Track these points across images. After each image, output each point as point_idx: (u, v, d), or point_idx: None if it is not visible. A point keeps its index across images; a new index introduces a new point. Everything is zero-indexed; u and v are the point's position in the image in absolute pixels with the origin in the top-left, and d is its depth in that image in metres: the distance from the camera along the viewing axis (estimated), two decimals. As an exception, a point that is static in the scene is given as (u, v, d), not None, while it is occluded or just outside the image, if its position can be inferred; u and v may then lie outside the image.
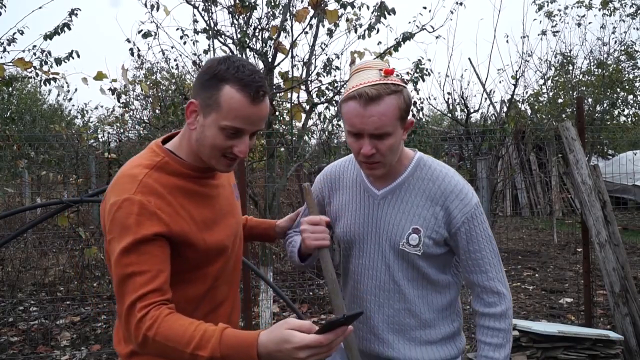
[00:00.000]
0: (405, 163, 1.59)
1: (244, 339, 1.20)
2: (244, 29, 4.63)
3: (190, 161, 1.45)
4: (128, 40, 4.72)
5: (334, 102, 5.07)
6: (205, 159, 1.42)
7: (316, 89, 4.92)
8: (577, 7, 9.96)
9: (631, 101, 10.27)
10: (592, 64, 9.88)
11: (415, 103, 6.23)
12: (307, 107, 4.97)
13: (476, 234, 1.55)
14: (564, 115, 9.19)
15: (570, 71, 9.87)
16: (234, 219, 1.57)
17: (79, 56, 5.07)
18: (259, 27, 4.68)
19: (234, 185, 1.65)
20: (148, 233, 1.30)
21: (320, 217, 1.57)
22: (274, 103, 4.88)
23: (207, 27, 4.63)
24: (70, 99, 14.42)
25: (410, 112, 1.59)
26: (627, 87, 9.93)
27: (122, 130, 8.94)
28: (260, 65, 5.04)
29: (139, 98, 7.54)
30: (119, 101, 5.35)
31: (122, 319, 1.29)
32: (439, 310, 1.62)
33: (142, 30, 4.62)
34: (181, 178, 1.43)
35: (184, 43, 4.90)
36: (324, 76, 4.90)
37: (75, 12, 5.04)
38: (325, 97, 4.90)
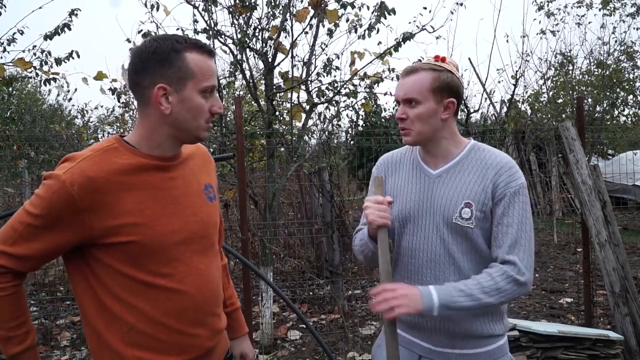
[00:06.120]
0: (460, 147, 1.71)
1: None
2: (244, 29, 4.63)
3: (145, 151, 1.44)
4: (128, 40, 4.71)
5: (334, 102, 5.07)
6: (193, 132, 1.45)
7: (316, 89, 4.92)
8: (577, 7, 9.96)
9: (631, 101, 10.26)
10: (592, 64, 9.88)
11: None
12: (307, 107, 4.97)
13: (513, 209, 1.59)
14: (564, 115, 9.19)
15: (570, 71, 9.87)
16: (195, 217, 1.50)
17: (79, 56, 5.06)
18: (259, 27, 4.69)
19: (208, 186, 1.59)
20: (54, 215, 1.34)
21: (383, 197, 1.66)
22: (274, 103, 4.89)
23: (207, 27, 4.63)
24: (70, 99, 14.41)
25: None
26: (627, 87, 9.92)
27: (122, 130, 8.94)
28: (260, 65, 5.04)
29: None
30: (119, 101, 5.35)
31: None
32: None
33: (142, 30, 4.62)
34: (126, 167, 1.40)
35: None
36: (324, 76, 4.90)
37: (75, 12, 5.04)
38: (325, 97, 4.90)
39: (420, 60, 1.73)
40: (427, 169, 1.71)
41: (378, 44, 5.03)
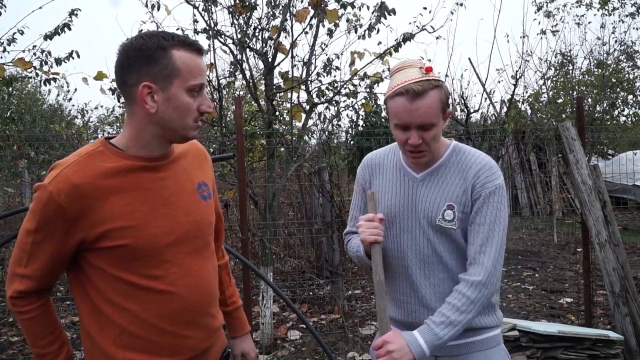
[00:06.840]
0: (442, 149, 1.72)
1: None
2: (244, 29, 4.63)
3: (132, 153, 1.42)
4: (128, 41, 4.71)
5: (334, 102, 5.07)
6: (179, 131, 1.42)
7: (316, 89, 4.92)
8: (577, 7, 9.96)
9: (631, 101, 10.26)
10: (592, 64, 9.87)
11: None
12: (307, 107, 4.97)
13: (486, 209, 1.64)
14: (564, 115, 9.18)
15: (570, 71, 9.86)
16: (187, 217, 1.47)
17: (79, 56, 5.06)
18: (259, 27, 4.69)
19: (202, 184, 1.56)
20: (50, 225, 1.34)
21: (374, 215, 1.70)
22: (274, 103, 4.89)
23: (207, 27, 4.63)
24: (70, 99, 14.42)
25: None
26: (627, 87, 9.92)
27: (122, 130, 8.92)
28: (260, 65, 5.04)
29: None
30: (119, 101, 5.34)
31: (6, 278, 1.45)
32: None
33: (142, 30, 4.62)
34: (112, 170, 1.38)
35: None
36: (324, 76, 4.89)
37: (75, 12, 5.03)
38: (325, 97, 4.90)
39: (403, 68, 1.63)
40: (411, 172, 1.74)
41: (378, 44, 5.03)
